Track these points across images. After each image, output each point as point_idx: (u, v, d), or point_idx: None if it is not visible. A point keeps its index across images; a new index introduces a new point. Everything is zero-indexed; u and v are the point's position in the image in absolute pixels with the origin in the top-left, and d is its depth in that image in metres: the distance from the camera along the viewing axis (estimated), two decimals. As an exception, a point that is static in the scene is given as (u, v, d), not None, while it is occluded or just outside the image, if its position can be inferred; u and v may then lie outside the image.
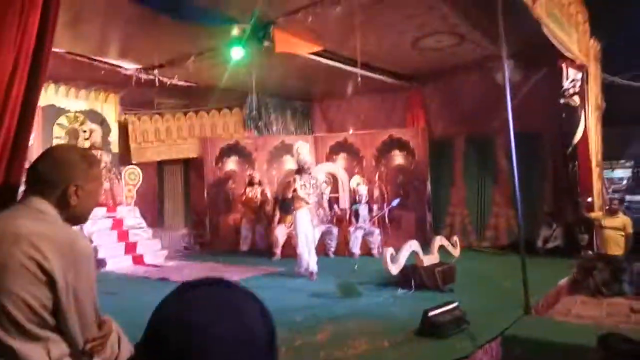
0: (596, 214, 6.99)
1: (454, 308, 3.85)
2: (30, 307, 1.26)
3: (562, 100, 7.04)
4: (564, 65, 6.80)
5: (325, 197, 8.28)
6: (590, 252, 7.01)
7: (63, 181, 1.42)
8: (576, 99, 7.07)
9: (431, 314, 3.68)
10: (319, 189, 6.74)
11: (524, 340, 3.71)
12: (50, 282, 1.28)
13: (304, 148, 6.82)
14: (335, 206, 8.55)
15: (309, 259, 6.24)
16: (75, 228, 1.52)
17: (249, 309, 0.68)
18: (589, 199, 7.13)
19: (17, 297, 1.24)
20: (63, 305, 1.30)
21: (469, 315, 3.96)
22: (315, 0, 5.67)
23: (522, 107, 7.80)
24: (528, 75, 7.90)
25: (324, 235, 8.00)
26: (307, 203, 6.43)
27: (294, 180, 6.50)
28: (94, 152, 8.24)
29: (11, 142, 1.66)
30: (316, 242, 6.74)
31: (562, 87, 6.90)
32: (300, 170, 6.67)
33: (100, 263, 7.37)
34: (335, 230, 8.20)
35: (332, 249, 8.18)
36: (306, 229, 6.29)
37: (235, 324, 0.65)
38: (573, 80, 6.90)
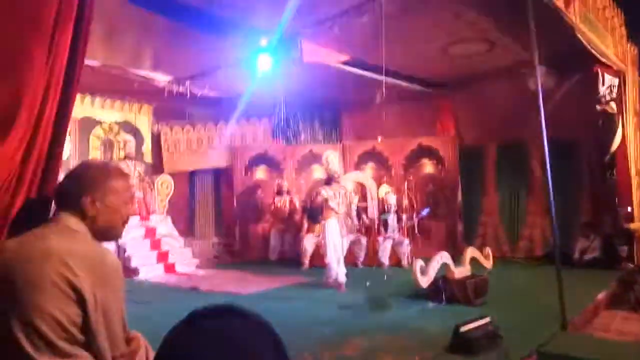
0: (636, 224, 6.72)
1: (487, 323, 3.74)
2: (60, 324, 1.27)
3: (598, 107, 6.82)
4: (599, 71, 6.58)
5: (354, 207, 8.23)
6: (630, 265, 6.74)
7: (78, 193, 1.44)
8: (613, 105, 6.83)
9: (463, 329, 3.58)
10: (348, 199, 6.67)
11: (561, 358, 3.56)
12: (80, 299, 1.29)
13: (333, 157, 6.77)
14: (364, 215, 8.47)
15: (337, 269, 6.20)
16: (106, 244, 1.54)
17: (260, 343, 0.65)
18: (629, 209, 6.86)
19: (47, 314, 1.26)
20: (92, 321, 1.31)
21: (503, 331, 3.83)
22: (342, 10, 5.68)
23: (556, 114, 7.59)
24: (562, 81, 7.69)
25: (353, 245, 7.95)
26: (337, 213, 6.38)
27: (324, 189, 6.47)
28: (128, 162, 8.48)
29: (44, 159, 1.69)
30: (345, 252, 6.68)
31: (598, 93, 6.67)
32: (330, 179, 6.63)
33: (133, 272, 7.52)
34: (364, 240, 8.13)
35: (361, 259, 8.11)
36: (335, 239, 6.24)
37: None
38: (610, 87, 6.67)
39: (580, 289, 5.69)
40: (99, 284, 1.34)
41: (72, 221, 1.43)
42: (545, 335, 4.00)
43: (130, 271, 7.53)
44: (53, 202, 1.55)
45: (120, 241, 7.77)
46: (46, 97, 1.69)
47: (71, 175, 1.54)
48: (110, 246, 7.56)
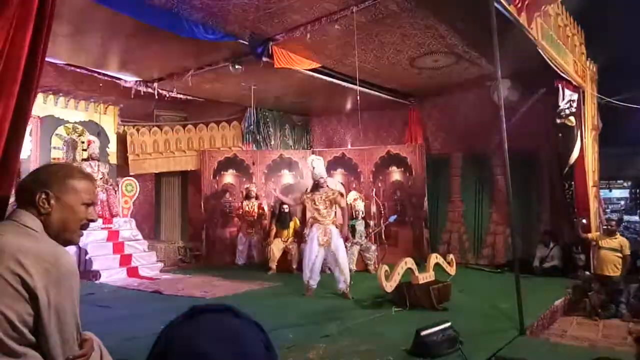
0: (593, 234, 6.97)
1: (447, 328, 3.81)
2: (10, 322, 1.25)
3: (558, 121, 7.08)
4: (560, 86, 6.85)
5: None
6: (587, 273, 6.98)
7: (33, 189, 1.42)
8: (572, 119, 7.10)
9: (423, 333, 3.64)
10: (334, 205, 6.21)
11: (518, 362, 3.66)
12: (33, 298, 1.27)
13: (318, 162, 6.42)
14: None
15: (309, 275, 6.11)
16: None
17: (254, 342, 0.69)
18: (584, 221, 7.11)
19: None
20: (44, 321, 1.29)
21: (463, 335, 3.92)
22: (314, 18, 5.73)
23: (519, 127, 7.87)
24: (525, 95, 7.95)
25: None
26: (318, 221, 6.08)
27: (307, 196, 6.22)
28: (91, 163, 8.29)
29: (0, 157, 1.65)
30: (342, 258, 6.10)
31: (559, 107, 6.93)
32: (315, 185, 6.28)
33: (94, 275, 7.33)
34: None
35: (328, 265, 8.12)
36: (313, 247, 6.03)
37: (239, 356, 0.65)
38: (569, 101, 6.94)
39: (539, 296, 5.88)
40: (53, 284, 1.31)
41: (29, 219, 1.40)
42: (504, 340, 4.12)
43: (91, 274, 7.34)
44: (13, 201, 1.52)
45: (82, 243, 7.57)
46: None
47: (32, 172, 1.51)
48: (70, 249, 7.37)
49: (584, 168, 7.32)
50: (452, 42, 6.63)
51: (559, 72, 6.41)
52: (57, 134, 8.51)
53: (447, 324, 3.84)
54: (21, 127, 1.77)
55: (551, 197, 8.31)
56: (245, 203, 8.99)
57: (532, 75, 7.18)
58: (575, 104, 7.10)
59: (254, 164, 9.67)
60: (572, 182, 7.54)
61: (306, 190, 6.52)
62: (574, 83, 7.09)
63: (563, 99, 6.86)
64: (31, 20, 1.72)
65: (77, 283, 1.41)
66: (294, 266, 8.04)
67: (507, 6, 4.77)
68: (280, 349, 3.85)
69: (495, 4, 4.57)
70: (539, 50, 5.75)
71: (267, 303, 5.77)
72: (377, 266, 7.58)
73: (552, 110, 7.20)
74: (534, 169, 8.42)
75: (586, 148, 7.40)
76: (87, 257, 7.51)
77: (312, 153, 9.93)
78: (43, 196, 1.42)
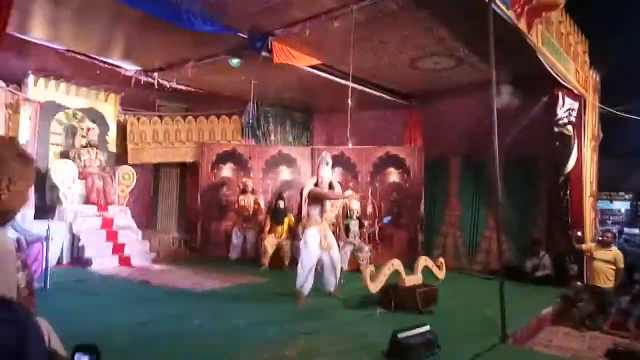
0: (588, 245, 6.92)
1: (426, 331, 3.79)
2: None
3: (556, 129, 7.02)
4: (560, 94, 6.78)
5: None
6: (579, 283, 6.93)
7: None
8: (570, 128, 7.04)
9: (400, 335, 3.62)
10: (338, 206, 6.02)
11: (495, 369, 3.64)
12: None
13: (328, 159, 6.18)
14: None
15: (304, 280, 5.61)
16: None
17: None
18: (578, 232, 7.05)
19: None
20: None
21: (443, 340, 3.89)
22: (313, 14, 5.71)
23: (519, 133, 7.81)
24: (526, 101, 7.89)
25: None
26: (319, 222, 5.73)
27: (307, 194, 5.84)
28: (89, 150, 8.32)
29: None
30: (337, 260, 5.87)
31: (556, 115, 6.87)
32: (318, 184, 5.95)
33: (86, 262, 7.35)
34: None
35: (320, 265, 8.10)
36: (313, 251, 5.60)
37: None
38: (568, 110, 6.87)
39: (528, 304, 5.84)
40: None
41: None
42: (484, 346, 4.09)
43: (83, 261, 7.37)
44: None
45: (75, 230, 7.61)
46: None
47: None
48: (63, 235, 7.37)
49: (580, 178, 7.25)
50: (452, 45, 6.59)
51: (559, 79, 6.36)
52: (56, 120, 8.54)
53: (426, 328, 3.82)
54: None
55: (547, 205, 8.24)
56: (241, 197, 8.99)
57: (533, 81, 7.12)
58: (574, 113, 7.03)
59: (250, 158, 9.66)
60: (568, 192, 7.47)
61: (315, 185, 5.98)
62: (575, 91, 7.02)
63: (562, 107, 6.80)
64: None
65: (13, 265, 1.39)
66: (286, 262, 8.04)
67: (505, 10, 4.73)
68: (257, 346, 3.85)
69: (494, 7, 4.53)
70: (539, 57, 5.70)
71: (253, 298, 5.77)
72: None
73: (552, 118, 7.14)
74: (532, 176, 8.34)
75: (584, 158, 7.33)
76: (80, 244, 7.53)
77: (312, 150, 9.93)
78: (6, 183, 1.41)
